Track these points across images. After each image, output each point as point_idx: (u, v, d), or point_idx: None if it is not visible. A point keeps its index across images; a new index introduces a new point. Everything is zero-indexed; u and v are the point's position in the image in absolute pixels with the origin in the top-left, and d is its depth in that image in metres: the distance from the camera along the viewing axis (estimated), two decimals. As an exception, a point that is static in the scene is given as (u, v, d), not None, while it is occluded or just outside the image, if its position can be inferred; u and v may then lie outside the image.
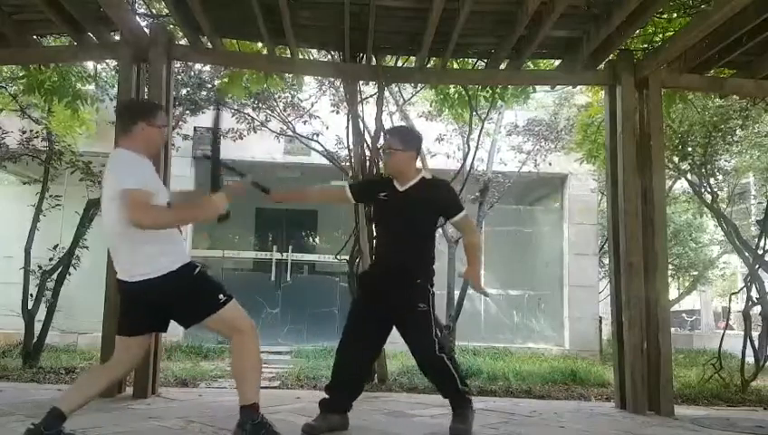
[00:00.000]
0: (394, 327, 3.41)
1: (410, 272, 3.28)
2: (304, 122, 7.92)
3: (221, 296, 2.75)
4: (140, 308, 2.78)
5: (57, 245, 6.28)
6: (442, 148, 8.29)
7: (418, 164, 3.54)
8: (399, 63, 5.63)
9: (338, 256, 6.30)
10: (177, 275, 2.69)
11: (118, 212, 2.60)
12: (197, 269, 2.78)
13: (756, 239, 6.75)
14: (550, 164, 9.22)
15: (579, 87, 7.59)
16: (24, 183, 6.82)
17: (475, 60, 5.43)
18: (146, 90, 4.64)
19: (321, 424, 3.26)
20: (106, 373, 2.95)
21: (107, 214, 2.74)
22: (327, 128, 7.81)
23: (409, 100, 7.82)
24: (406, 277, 3.27)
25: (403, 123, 7.94)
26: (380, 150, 3.63)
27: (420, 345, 3.30)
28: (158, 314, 2.82)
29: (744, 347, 6.02)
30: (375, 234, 3.63)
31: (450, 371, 3.26)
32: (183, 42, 5.04)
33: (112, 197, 2.64)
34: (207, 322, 2.75)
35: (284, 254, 10.99)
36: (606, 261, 8.41)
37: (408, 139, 3.42)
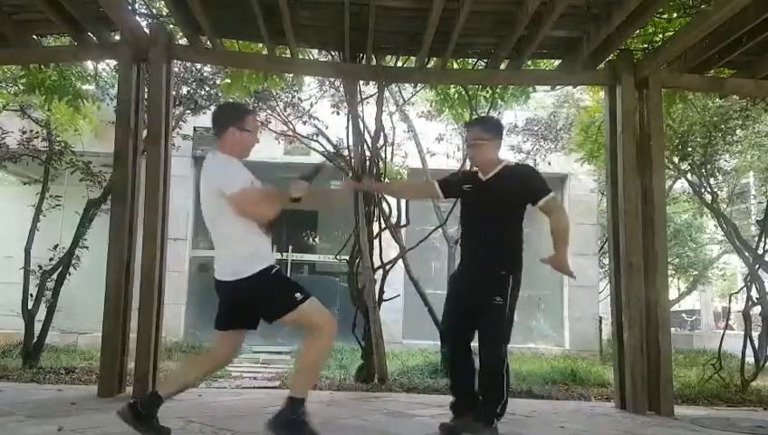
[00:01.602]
0: None
1: (495, 265, 3.21)
2: (304, 123, 7.92)
3: (297, 295, 2.82)
4: (231, 306, 2.95)
5: (57, 245, 6.28)
6: (442, 148, 8.29)
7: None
8: (399, 63, 5.63)
9: (338, 256, 6.30)
10: (261, 276, 2.81)
11: (223, 212, 2.78)
12: (274, 270, 2.90)
13: (756, 239, 6.74)
14: (549, 164, 9.22)
15: (579, 87, 7.60)
16: (24, 183, 6.82)
17: (475, 60, 5.43)
18: (146, 90, 4.65)
19: (458, 424, 3.29)
20: (202, 364, 3.14)
21: (211, 215, 2.90)
22: (327, 128, 7.81)
23: (409, 100, 7.82)
24: (490, 270, 3.21)
25: (404, 123, 7.97)
26: (466, 143, 3.57)
27: (487, 338, 3.20)
28: (246, 312, 2.94)
29: (744, 347, 6.02)
30: (461, 229, 3.53)
31: (502, 384, 3.16)
32: (183, 42, 5.04)
33: (217, 199, 2.80)
34: (285, 319, 2.85)
35: (284, 254, 10.98)
36: (606, 261, 8.41)
37: (491, 127, 3.43)
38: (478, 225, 3.34)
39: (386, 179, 6.13)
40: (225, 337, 3.03)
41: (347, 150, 6.05)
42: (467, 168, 6.64)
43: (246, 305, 2.90)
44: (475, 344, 3.36)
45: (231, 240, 2.86)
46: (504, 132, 3.48)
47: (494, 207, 3.24)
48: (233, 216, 2.80)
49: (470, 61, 5.52)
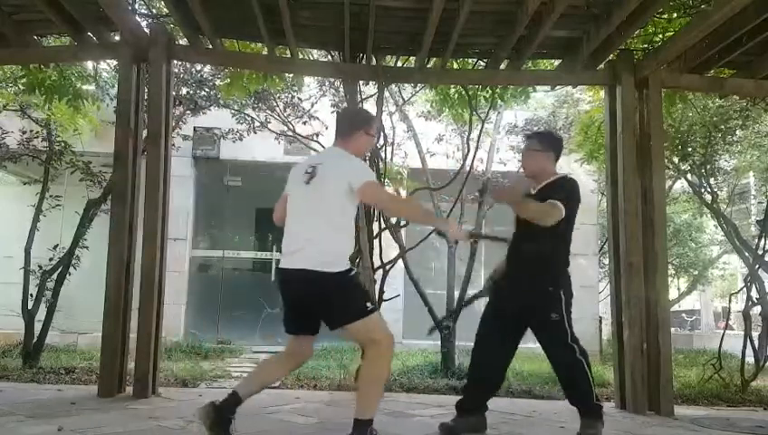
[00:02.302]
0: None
1: (541, 279, 3.28)
2: (304, 123, 7.92)
3: (368, 305, 2.85)
4: (298, 303, 2.92)
5: (57, 245, 6.27)
6: (442, 148, 8.29)
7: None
8: (399, 63, 5.63)
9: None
10: (344, 275, 2.83)
11: (335, 204, 2.84)
12: (354, 271, 2.94)
13: (756, 239, 6.74)
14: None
15: (578, 88, 7.59)
16: (24, 183, 6.82)
17: (474, 60, 5.43)
18: (146, 90, 4.65)
19: (458, 425, 3.35)
20: (278, 365, 3.14)
21: (318, 203, 2.89)
22: (327, 128, 7.81)
23: (409, 100, 7.82)
24: (536, 283, 3.27)
25: (404, 123, 7.97)
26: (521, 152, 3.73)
27: (556, 354, 3.33)
28: (314, 311, 2.90)
29: (744, 347, 6.02)
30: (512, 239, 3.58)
31: (587, 377, 3.29)
32: (183, 42, 5.04)
33: (341, 188, 2.84)
34: (350, 327, 2.81)
35: (285, 254, 10.97)
36: (606, 261, 8.41)
37: (546, 140, 3.54)
38: (519, 236, 3.43)
39: (386, 180, 6.14)
40: (296, 339, 3.05)
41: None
42: (466, 169, 6.70)
43: (317, 303, 2.85)
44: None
45: (329, 232, 2.83)
46: (562, 148, 3.59)
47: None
48: (342, 210, 2.86)
49: (470, 61, 5.52)
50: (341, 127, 3.12)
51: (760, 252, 6.37)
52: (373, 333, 2.81)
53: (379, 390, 2.90)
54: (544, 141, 3.51)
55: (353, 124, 3.10)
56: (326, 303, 2.83)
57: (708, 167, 7.20)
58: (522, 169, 3.66)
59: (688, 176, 7.59)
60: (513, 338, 3.44)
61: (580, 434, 3.22)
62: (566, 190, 3.31)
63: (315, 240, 2.82)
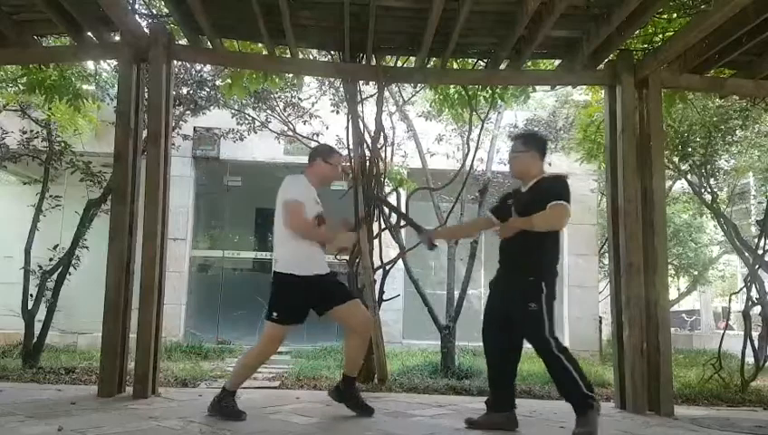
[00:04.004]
0: None
1: (522, 269, 3.36)
2: (304, 122, 7.92)
3: (274, 313, 3.57)
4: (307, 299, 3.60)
5: (57, 245, 6.27)
6: (442, 148, 8.29)
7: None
8: (399, 63, 5.63)
9: (338, 256, 6.30)
10: (277, 275, 3.57)
11: (284, 216, 3.53)
12: (294, 279, 3.53)
13: (756, 239, 6.74)
14: (549, 164, 9.15)
15: (577, 89, 7.59)
16: (24, 183, 6.82)
17: (475, 60, 5.43)
18: (146, 90, 4.65)
19: (484, 420, 3.52)
20: (355, 338, 3.77)
21: (276, 218, 3.64)
22: (327, 128, 7.81)
23: (409, 100, 7.82)
24: (519, 275, 3.37)
25: (404, 123, 7.96)
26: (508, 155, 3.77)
27: (534, 345, 3.34)
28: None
29: (744, 347, 6.02)
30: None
31: (570, 372, 3.26)
32: (183, 42, 5.04)
33: (280, 205, 3.58)
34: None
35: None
36: (606, 261, 8.41)
37: (530, 141, 3.63)
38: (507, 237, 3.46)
39: (386, 180, 6.13)
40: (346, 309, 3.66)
41: (347, 150, 6.05)
42: (466, 170, 6.70)
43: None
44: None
45: (280, 240, 3.64)
46: (546, 147, 3.72)
47: (524, 216, 3.35)
48: (285, 223, 3.54)
49: (470, 61, 5.52)
50: (309, 157, 3.82)
51: (760, 252, 6.37)
52: (264, 337, 3.63)
53: (248, 373, 3.74)
54: (528, 142, 3.61)
55: (313, 154, 3.79)
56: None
57: (708, 167, 7.20)
58: (509, 171, 3.74)
59: (688, 176, 7.59)
60: (510, 335, 3.49)
61: (575, 434, 3.21)
62: (558, 189, 3.35)
63: (276, 248, 3.66)
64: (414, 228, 4.03)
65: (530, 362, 6.74)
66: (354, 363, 3.80)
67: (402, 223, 6.14)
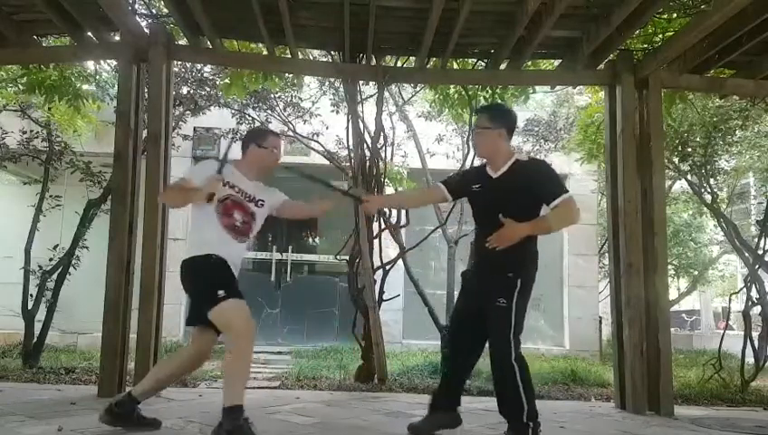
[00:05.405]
0: None
1: (504, 266, 2.99)
2: (304, 122, 7.92)
3: (221, 292, 2.86)
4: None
5: (57, 245, 6.27)
6: (442, 148, 8.29)
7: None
8: (399, 63, 5.63)
9: (338, 256, 6.30)
10: (192, 260, 2.99)
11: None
12: (213, 259, 2.96)
13: (756, 239, 6.74)
14: (550, 164, 9.20)
15: (578, 87, 7.59)
16: (24, 183, 6.81)
17: (475, 60, 5.43)
18: (146, 90, 4.65)
19: (425, 424, 3.23)
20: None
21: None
22: (327, 128, 7.80)
23: (409, 100, 7.82)
24: (498, 271, 3.00)
25: (404, 123, 7.96)
26: (472, 131, 3.33)
27: (493, 345, 3.01)
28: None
29: (744, 347, 6.01)
30: (475, 228, 3.30)
31: (518, 387, 2.91)
32: (183, 42, 5.04)
33: None
34: (210, 316, 2.89)
35: (284, 254, 10.98)
36: (606, 261, 8.41)
37: (497, 115, 3.19)
38: (487, 225, 3.07)
39: (386, 180, 6.13)
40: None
41: (347, 151, 6.06)
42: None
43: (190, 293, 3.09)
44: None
45: (195, 223, 3.18)
46: (515, 123, 3.28)
47: (502, 209, 2.98)
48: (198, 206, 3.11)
49: (470, 61, 5.52)
50: (241, 145, 3.35)
51: (760, 252, 6.37)
52: (228, 321, 2.88)
53: (243, 378, 2.99)
54: (495, 118, 3.16)
55: (245, 140, 3.31)
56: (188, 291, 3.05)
57: (708, 167, 7.19)
58: (474, 150, 3.42)
59: (688, 176, 7.59)
60: (481, 331, 3.10)
61: None
62: (551, 176, 3.08)
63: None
64: (343, 193, 3.65)
65: (529, 362, 6.78)
66: (159, 384, 3.15)
67: (402, 223, 6.14)
